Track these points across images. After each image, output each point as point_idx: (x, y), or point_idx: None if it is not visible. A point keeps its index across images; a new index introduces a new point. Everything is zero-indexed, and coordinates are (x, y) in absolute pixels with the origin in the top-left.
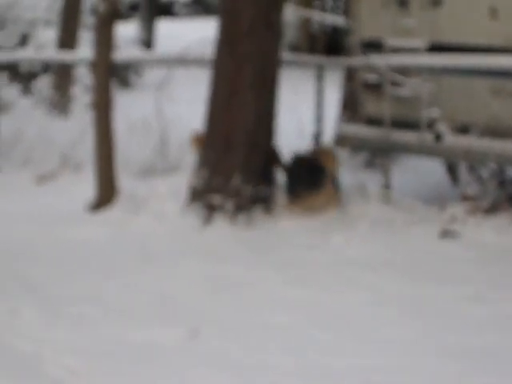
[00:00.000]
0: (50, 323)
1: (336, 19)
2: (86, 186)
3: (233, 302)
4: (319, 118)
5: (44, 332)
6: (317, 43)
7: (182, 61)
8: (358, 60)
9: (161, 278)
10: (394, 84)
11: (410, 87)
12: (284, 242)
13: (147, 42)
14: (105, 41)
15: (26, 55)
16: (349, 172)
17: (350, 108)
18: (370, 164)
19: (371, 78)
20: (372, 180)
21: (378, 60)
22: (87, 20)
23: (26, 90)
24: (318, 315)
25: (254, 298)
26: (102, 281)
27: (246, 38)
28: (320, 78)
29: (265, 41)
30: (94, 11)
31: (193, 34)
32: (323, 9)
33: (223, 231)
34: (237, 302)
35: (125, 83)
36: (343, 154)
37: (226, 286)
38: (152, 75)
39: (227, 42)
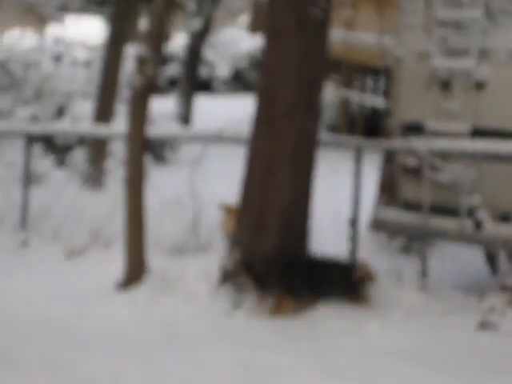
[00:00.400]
0: None
1: (375, 100)
2: (116, 263)
3: None
4: (356, 201)
5: None
6: (355, 124)
7: (218, 138)
8: (397, 143)
9: (186, 362)
10: (434, 169)
11: (451, 173)
12: (316, 328)
13: (185, 118)
14: (139, 114)
15: (61, 128)
16: (385, 257)
17: (389, 192)
18: (406, 249)
19: (410, 161)
20: (408, 265)
21: (418, 144)
22: (124, 93)
23: (61, 162)
24: None
25: None
26: (125, 362)
27: (285, 118)
28: (358, 160)
29: (304, 121)
30: (130, 84)
31: (231, 111)
32: (363, 89)
33: (253, 315)
34: None
35: (160, 159)
36: (380, 239)
37: (255, 374)
38: (188, 151)
39: (265, 121)
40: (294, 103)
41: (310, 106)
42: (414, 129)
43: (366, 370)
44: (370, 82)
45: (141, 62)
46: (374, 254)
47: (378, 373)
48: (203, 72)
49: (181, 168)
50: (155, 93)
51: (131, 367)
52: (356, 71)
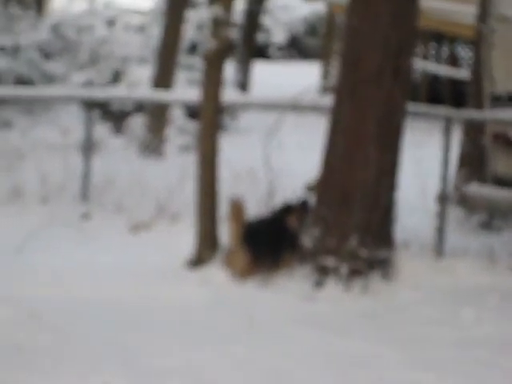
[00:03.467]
0: None
1: (438, 68)
2: (185, 238)
3: (355, 382)
4: (445, 176)
5: None
6: (419, 92)
7: (294, 106)
8: (494, 113)
9: (270, 352)
10: None
11: None
12: (406, 314)
13: (243, 85)
14: (214, 80)
15: (119, 93)
16: (468, 234)
17: (469, 166)
18: (487, 225)
19: (511, 134)
20: (497, 244)
21: None
22: (184, 59)
23: (118, 129)
24: None
25: (374, 379)
26: (201, 351)
27: (371, 85)
28: (447, 132)
29: (391, 89)
30: (203, 49)
31: (288, 78)
32: (425, 57)
33: (336, 298)
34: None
35: (220, 127)
36: (458, 214)
37: (344, 363)
38: (247, 119)
39: (349, 88)
40: (381, 69)
41: (398, 72)
42: (509, 99)
43: (463, 362)
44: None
45: (215, 23)
46: (456, 231)
47: (471, 363)
48: (259, 38)
49: (245, 137)
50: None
51: (208, 357)
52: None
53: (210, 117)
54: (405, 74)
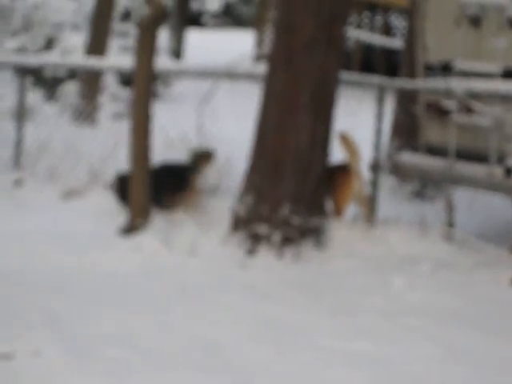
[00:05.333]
0: (79, 369)
1: (371, 37)
2: (117, 206)
3: (282, 351)
4: (378, 145)
5: (73, 380)
6: (353, 61)
7: (228, 74)
8: (426, 83)
9: (199, 318)
10: (469, 111)
11: (491, 116)
12: (337, 282)
13: (176, 52)
14: (147, 48)
15: (52, 60)
16: (400, 202)
17: (402, 135)
18: (419, 194)
19: (443, 103)
20: (429, 214)
21: (454, 84)
22: (118, 26)
23: (51, 96)
24: (380, 373)
25: (306, 347)
26: (133, 319)
27: (304, 54)
28: (381, 101)
29: (325, 57)
30: (137, 16)
31: (222, 46)
32: (359, 26)
33: (268, 265)
34: (287, 353)
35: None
36: (390, 183)
37: (273, 331)
38: (181, 87)
39: (283, 56)
40: (315, 38)
41: (332, 41)
42: (442, 69)
43: (390, 328)
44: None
45: None
46: (389, 200)
47: (403, 332)
48: (193, 6)
49: (178, 104)
50: (163, 24)
51: (142, 325)
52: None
53: (143, 84)
54: (338, 43)
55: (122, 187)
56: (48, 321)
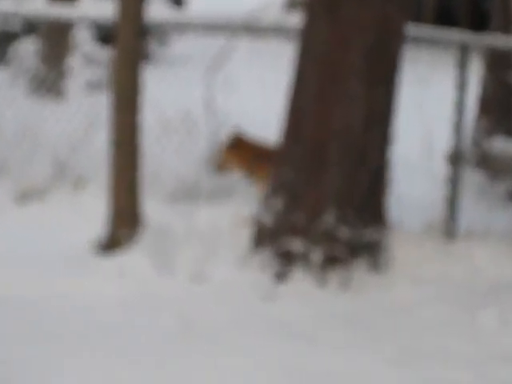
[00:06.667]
0: None
1: None
2: (93, 211)
3: None
4: (458, 127)
5: None
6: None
7: (250, 28)
8: None
9: (208, 368)
10: None
11: None
12: (402, 318)
13: None
14: None
15: (0, 8)
16: (483, 207)
17: (494, 113)
18: None
19: None
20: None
21: None
22: None
23: (0, 58)
24: None
25: None
26: (121, 372)
27: (357, 1)
28: (463, 66)
29: (384, 5)
30: None
31: None
32: None
33: (305, 295)
34: None
35: (144, 55)
36: (478, 179)
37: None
38: (182, 45)
39: (327, 5)
40: None
41: None
42: None
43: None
44: None
45: None
46: (475, 204)
47: None
48: None
49: (179, 69)
50: None
51: (132, 377)
52: None
53: (129, 41)
54: None
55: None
56: (11, 375)
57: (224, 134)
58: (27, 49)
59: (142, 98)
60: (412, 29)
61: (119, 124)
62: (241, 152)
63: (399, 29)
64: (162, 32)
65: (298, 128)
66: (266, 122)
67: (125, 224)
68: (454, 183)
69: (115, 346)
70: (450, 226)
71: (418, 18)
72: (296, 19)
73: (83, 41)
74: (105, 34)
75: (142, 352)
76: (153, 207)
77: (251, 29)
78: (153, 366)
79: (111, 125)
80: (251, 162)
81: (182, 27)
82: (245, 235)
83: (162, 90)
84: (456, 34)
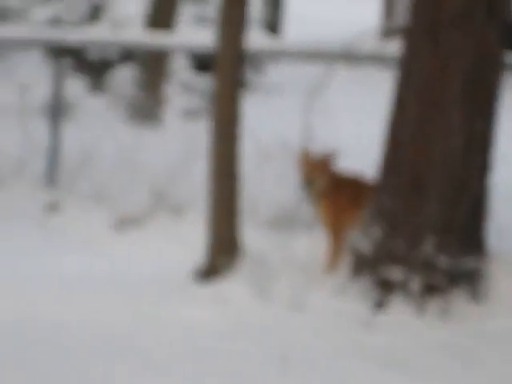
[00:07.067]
0: None
1: None
2: (191, 238)
3: None
4: None
5: None
6: None
7: (348, 56)
8: None
9: None
10: None
11: None
12: (502, 348)
13: (272, 25)
14: (234, 18)
15: (98, 36)
16: None
17: None
18: None
19: None
20: None
21: None
22: None
23: (97, 85)
24: None
25: None
26: None
27: (456, 26)
28: None
29: (484, 32)
30: None
31: (334, 17)
32: None
33: (404, 324)
34: None
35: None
36: None
37: None
38: (278, 73)
39: (426, 32)
40: (471, 4)
41: (493, 9)
42: None
43: None
44: None
45: None
46: None
47: None
48: None
49: (275, 98)
50: None
51: None
52: None
53: (230, 70)
54: (502, 11)
55: None
56: None
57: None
58: (124, 76)
59: (241, 127)
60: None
61: (219, 153)
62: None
63: (498, 56)
64: (259, 60)
65: (396, 156)
66: (362, 150)
67: (223, 252)
68: None
69: (210, 373)
70: None
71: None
72: (394, 47)
73: (180, 68)
74: (201, 62)
75: (238, 380)
76: (251, 235)
77: (350, 57)
78: None
79: (210, 153)
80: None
81: (280, 55)
82: (343, 263)
83: (260, 118)
84: None
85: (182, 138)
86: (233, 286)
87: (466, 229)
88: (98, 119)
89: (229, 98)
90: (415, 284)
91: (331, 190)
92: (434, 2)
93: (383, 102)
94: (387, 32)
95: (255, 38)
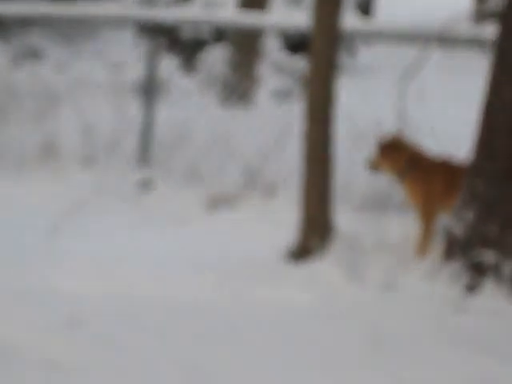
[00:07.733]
0: None
1: None
2: (283, 219)
3: None
4: None
5: None
6: None
7: (442, 39)
8: None
9: (397, 380)
10: None
11: None
12: None
13: (364, 7)
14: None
15: (191, 15)
16: None
17: None
18: None
19: None
20: None
21: None
22: None
23: (190, 66)
24: None
25: None
26: (308, 377)
27: None
28: None
29: None
30: None
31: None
32: None
33: (496, 308)
34: None
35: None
36: None
37: None
38: (369, 55)
39: None
40: None
41: None
42: None
43: None
44: None
45: None
46: None
47: None
48: None
49: (367, 80)
50: None
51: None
52: None
53: (324, 52)
54: None
55: None
56: (191, 378)
57: (383, 136)
58: (216, 56)
59: (334, 109)
60: None
61: (312, 134)
62: (394, 155)
63: None
64: (351, 41)
65: (492, 140)
66: (456, 135)
67: (316, 233)
68: None
69: (303, 354)
70: None
71: None
72: (489, 30)
73: (272, 49)
74: (293, 43)
75: (327, 359)
76: (343, 217)
77: (445, 39)
78: (341, 374)
79: (304, 136)
80: (404, 166)
81: (374, 37)
82: (435, 246)
83: (353, 100)
84: None
85: (273, 118)
86: (325, 268)
87: None
88: (190, 99)
89: (323, 80)
90: (508, 268)
91: (423, 173)
92: None
93: (478, 86)
94: (479, 16)
95: (348, 20)
